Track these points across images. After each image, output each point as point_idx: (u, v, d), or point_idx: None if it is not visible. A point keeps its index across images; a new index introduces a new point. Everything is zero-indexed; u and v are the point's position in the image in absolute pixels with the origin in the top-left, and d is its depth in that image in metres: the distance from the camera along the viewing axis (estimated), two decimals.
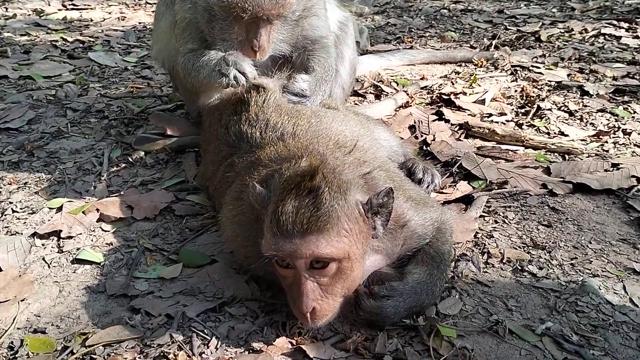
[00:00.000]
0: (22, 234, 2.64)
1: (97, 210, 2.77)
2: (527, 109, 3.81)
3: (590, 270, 2.33)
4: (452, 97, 3.91)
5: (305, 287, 1.87)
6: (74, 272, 2.40)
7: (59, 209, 2.81)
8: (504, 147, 3.32)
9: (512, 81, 4.31)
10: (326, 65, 3.07)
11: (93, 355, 1.95)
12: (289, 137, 2.42)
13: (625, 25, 5.71)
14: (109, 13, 6.65)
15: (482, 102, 3.89)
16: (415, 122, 3.61)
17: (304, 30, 3.02)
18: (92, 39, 5.63)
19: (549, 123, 3.62)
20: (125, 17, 6.48)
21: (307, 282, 1.87)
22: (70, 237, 2.61)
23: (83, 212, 2.76)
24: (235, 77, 2.67)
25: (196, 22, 2.91)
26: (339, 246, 1.85)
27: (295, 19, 2.91)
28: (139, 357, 1.92)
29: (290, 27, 2.93)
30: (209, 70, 2.79)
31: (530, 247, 2.48)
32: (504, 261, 2.40)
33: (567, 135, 3.47)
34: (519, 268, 2.35)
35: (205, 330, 2.03)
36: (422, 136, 3.47)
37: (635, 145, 3.33)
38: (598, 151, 3.27)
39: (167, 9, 3.26)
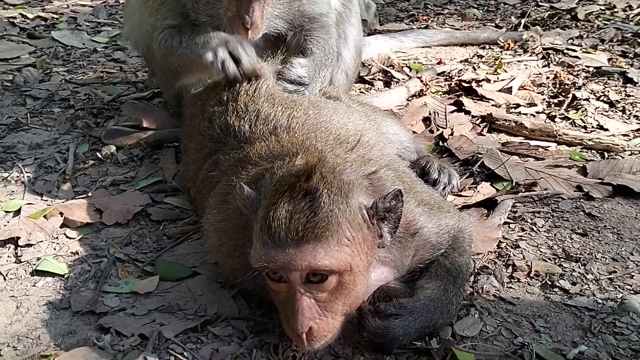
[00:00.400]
0: None
1: (61, 214, 2.79)
2: (561, 98, 3.82)
3: (631, 286, 2.35)
4: (473, 84, 3.93)
5: (301, 303, 1.87)
6: (34, 286, 2.41)
7: (17, 212, 2.83)
8: (533, 143, 3.33)
9: (543, 66, 4.32)
10: (326, 47, 3.09)
11: None
12: (283, 131, 2.43)
13: None
14: None
15: (509, 90, 3.91)
16: (430, 114, 3.63)
17: (301, 5, 3.04)
18: (55, 16, 5.64)
19: (586, 115, 3.63)
20: None
21: (302, 298, 1.87)
22: (29, 245, 2.62)
23: (44, 217, 2.77)
24: (223, 64, 2.67)
25: None
26: (340, 257, 1.86)
27: None
28: None
29: (286, 2, 2.96)
30: (195, 50, 2.81)
31: (562, 259, 2.49)
32: (531, 275, 2.41)
33: (606, 130, 3.48)
34: (549, 283, 2.36)
35: (184, 353, 2.04)
36: (438, 130, 3.49)
37: None
38: None
39: None
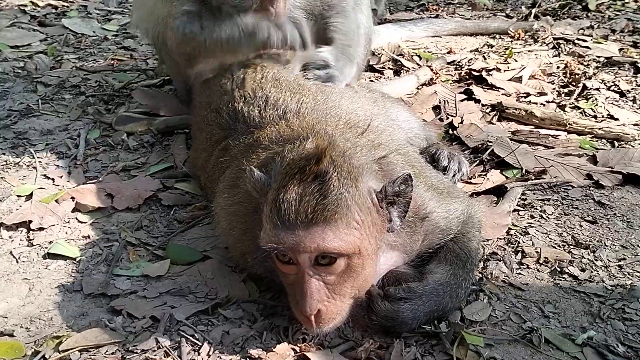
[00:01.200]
0: None
1: (73, 198, 2.80)
2: (571, 88, 3.81)
3: None
4: (483, 73, 3.93)
5: (310, 286, 1.87)
6: (46, 268, 2.43)
7: (29, 196, 2.85)
8: (543, 131, 3.32)
9: (554, 56, 4.32)
10: (347, 30, 3.10)
11: None
12: (293, 116, 2.44)
13: None
14: None
15: (519, 79, 3.90)
16: (440, 102, 3.63)
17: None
18: (66, 4, 5.65)
19: (597, 105, 3.63)
20: None
21: (311, 281, 1.88)
22: (41, 229, 2.64)
23: (56, 201, 2.79)
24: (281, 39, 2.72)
25: None
26: (349, 240, 1.86)
27: None
28: None
29: None
30: (233, 32, 2.81)
31: (572, 246, 2.50)
32: (540, 261, 2.41)
33: (617, 119, 3.48)
34: (558, 269, 2.37)
35: (195, 335, 2.06)
36: (448, 118, 3.49)
37: None
38: None
39: None
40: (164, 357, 1.97)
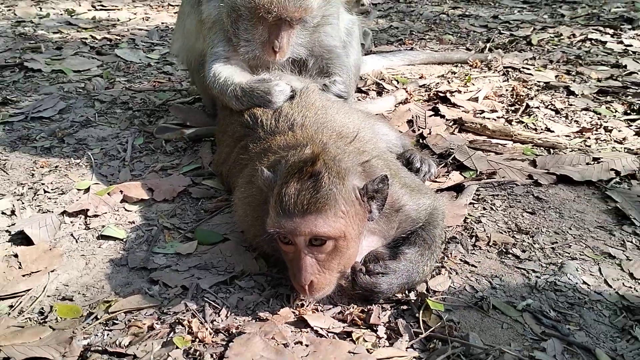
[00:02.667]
0: (52, 212, 2.67)
1: (121, 192, 2.80)
2: (517, 106, 3.79)
3: (569, 253, 2.34)
4: (447, 94, 3.90)
5: (304, 262, 1.89)
6: (99, 247, 2.44)
7: (87, 190, 2.85)
8: (494, 141, 3.31)
9: (503, 81, 4.29)
10: (347, 70, 3.10)
11: (115, 321, 1.98)
12: (298, 128, 2.44)
13: (611, 31, 5.66)
14: (135, 14, 6.65)
15: (476, 99, 3.88)
16: (413, 117, 3.61)
17: (320, 37, 2.99)
18: (118, 37, 5.64)
19: (537, 120, 3.61)
20: (149, 18, 6.48)
21: (305, 258, 1.89)
22: (96, 216, 2.64)
23: (108, 194, 2.79)
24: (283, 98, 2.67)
25: (221, 22, 2.86)
26: (336, 226, 1.87)
27: (314, 25, 2.88)
28: (157, 323, 1.96)
29: (309, 32, 2.90)
30: (246, 96, 2.73)
31: (515, 232, 2.49)
32: (490, 244, 2.41)
33: (552, 131, 3.46)
34: (504, 251, 2.37)
35: (216, 301, 2.07)
36: (419, 130, 3.47)
37: (615, 141, 3.33)
38: (581, 146, 3.26)
39: (193, 8, 3.22)
40: (191, 317, 1.97)
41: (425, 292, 2.10)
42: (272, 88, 2.63)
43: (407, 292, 2.09)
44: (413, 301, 2.06)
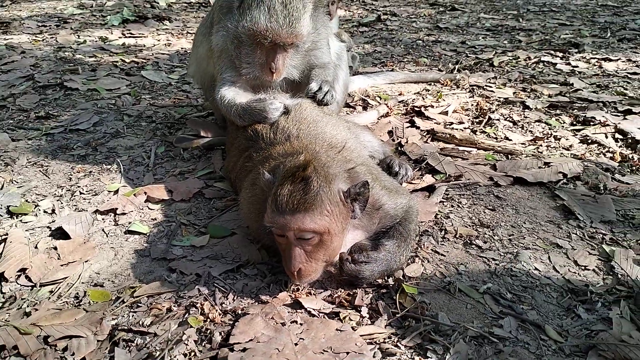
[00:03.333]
0: (87, 210, 2.66)
1: (145, 193, 2.79)
2: (481, 119, 3.79)
3: (523, 244, 2.35)
4: (422, 109, 3.89)
5: (294, 252, 1.89)
6: (126, 240, 2.43)
7: (116, 192, 2.84)
8: (461, 148, 3.30)
9: (469, 97, 4.28)
10: (327, 71, 3.04)
11: (139, 304, 1.98)
12: (294, 139, 2.43)
13: (560, 54, 5.66)
14: (158, 40, 6.61)
15: (446, 113, 3.87)
16: (393, 128, 3.60)
17: (310, 60, 3.00)
18: (144, 61, 5.61)
19: (497, 130, 3.61)
20: (171, 44, 6.45)
21: (295, 249, 1.89)
22: (124, 214, 2.63)
23: (134, 195, 2.78)
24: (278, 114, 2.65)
25: (227, 50, 2.86)
26: (321, 223, 1.87)
27: (305, 50, 2.89)
28: (174, 306, 1.95)
29: (301, 56, 2.91)
30: (256, 114, 2.70)
31: (478, 226, 2.49)
32: (457, 236, 2.41)
33: (510, 140, 3.46)
34: (468, 242, 2.37)
35: (225, 286, 2.06)
36: (397, 139, 3.47)
37: (563, 148, 3.33)
38: (534, 152, 3.26)
39: (204, 38, 3.24)
40: (203, 301, 1.96)
41: (402, 278, 2.10)
42: (267, 106, 2.63)
43: (386, 278, 2.08)
44: (391, 286, 2.05)
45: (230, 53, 2.86)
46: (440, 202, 2.70)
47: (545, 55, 5.60)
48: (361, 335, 1.79)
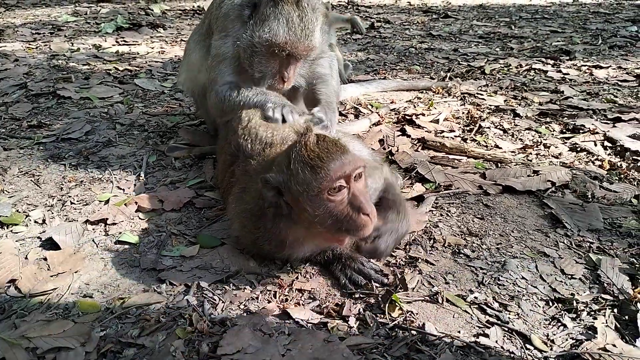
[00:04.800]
0: (77, 221, 2.66)
1: (136, 203, 2.79)
2: (471, 127, 3.82)
3: (511, 253, 2.36)
4: (413, 117, 3.92)
5: (362, 196, 1.90)
6: (116, 251, 2.43)
7: (107, 201, 2.84)
8: (451, 156, 3.32)
9: (461, 105, 4.32)
10: (329, 94, 3.14)
11: (128, 315, 1.98)
12: (268, 147, 2.42)
13: (551, 62, 5.73)
14: (152, 48, 6.64)
15: (437, 121, 3.90)
16: (384, 137, 3.63)
17: (316, 68, 3.09)
18: (138, 68, 5.63)
19: (487, 138, 3.64)
20: (165, 51, 6.47)
21: (359, 191, 1.90)
22: (114, 224, 2.63)
23: (125, 204, 2.78)
24: (277, 120, 2.70)
25: (237, 57, 2.90)
26: (359, 158, 1.94)
27: (313, 59, 2.98)
28: (163, 317, 1.95)
29: (307, 65, 3.00)
30: (255, 102, 2.81)
31: (466, 235, 2.51)
32: (445, 245, 2.43)
33: (500, 148, 3.49)
34: (457, 251, 2.38)
35: (214, 297, 2.07)
36: (388, 148, 3.49)
37: (552, 156, 3.36)
38: (524, 161, 3.28)
39: (198, 45, 3.26)
40: (192, 312, 1.97)
41: (391, 286, 2.10)
42: (280, 110, 2.73)
43: (372, 283, 2.11)
44: (380, 296, 2.07)
45: (238, 61, 2.91)
46: (430, 211, 2.71)
47: (536, 63, 5.65)
48: (348, 346, 1.80)
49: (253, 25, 2.75)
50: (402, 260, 2.30)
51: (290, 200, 1.98)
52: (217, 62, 2.99)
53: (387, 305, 2.01)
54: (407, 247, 2.40)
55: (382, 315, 1.97)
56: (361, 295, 2.08)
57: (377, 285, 2.11)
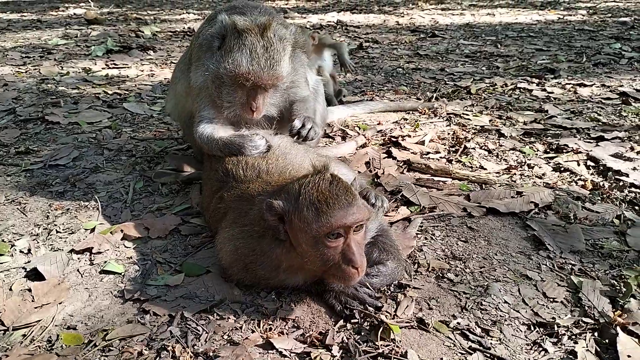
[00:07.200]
0: (62, 250, 2.66)
1: (122, 230, 2.79)
2: (457, 148, 3.86)
3: (494, 276, 2.39)
4: (399, 139, 3.97)
5: (355, 247, 1.93)
6: (101, 281, 2.43)
7: (93, 229, 2.84)
8: (436, 178, 3.36)
9: (446, 126, 4.37)
10: (308, 108, 3.13)
11: (111, 347, 1.98)
12: (265, 174, 2.47)
13: (536, 80, 5.82)
14: (142, 71, 6.68)
15: (423, 142, 3.94)
16: (370, 159, 3.66)
17: (289, 97, 3.09)
18: (127, 92, 5.65)
19: (472, 159, 3.68)
20: (154, 74, 6.51)
21: (355, 243, 1.94)
22: (99, 253, 2.63)
23: (111, 232, 2.78)
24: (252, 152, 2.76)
25: (207, 88, 2.92)
26: (365, 210, 1.97)
27: (284, 88, 2.98)
28: (145, 349, 1.95)
29: (280, 94, 2.99)
30: (234, 148, 2.80)
31: (450, 259, 2.53)
32: (429, 270, 2.44)
33: (485, 169, 3.53)
34: (440, 275, 2.40)
35: (197, 327, 2.07)
36: (374, 170, 3.52)
37: (536, 176, 3.41)
38: (508, 181, 3.32)
39: (183, 74, 3.30)
40: (175, 343, 1.97)
41: (381, 320, 2.11)
42: (247, 143, 2.73)
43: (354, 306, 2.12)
44: (367, 323, 2.07)
45: (210, 92, 2.92)
46: (415, 234, 2.73)
47: (521, 82, 5.74)
48: None
49: (220, 56, 2.78)
50: (391, 286, 2.32)
51: (290, 231, 2.02)
52: (195, 94, 3.04)
53: (372, 333, 2.02)
54: None
55: (365, 343, 1.98)
56: (353, 321, 2.08)
57: (372, 309, 2.13)
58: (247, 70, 2.69)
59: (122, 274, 2.47)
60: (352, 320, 2.09)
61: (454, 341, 2.00)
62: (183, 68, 3.32)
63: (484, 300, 2.21)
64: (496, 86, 5.61)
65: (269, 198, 2.06)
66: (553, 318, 2.10)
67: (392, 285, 2.30)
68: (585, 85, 5.61)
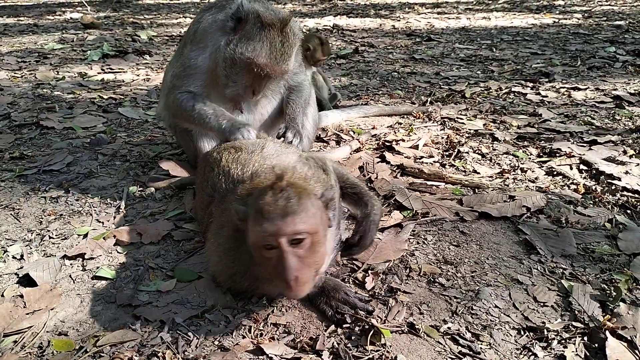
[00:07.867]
0: (55, 256, 2.66)
1: (114, 236, 2.80)
2: (450, 152, 3.87)
3: (485, 281, 2.39)
4: (393, 144, 3.98)
5: (288, 260, 1.81)
6: (93, 287, 2.43)
7: (85, 235, 2.85)
8: (429, 183, 3.37)
9: (440, 130, 4.38)
10: (299, 103, 3.37)
11: (101, 354, 1.98)
12: (248, 178, 2.44)
13: (530, 84, 5.85)
14: (138, 75, 6.69)
15: (416, 147, 3.96)
16: (364, 164, 3.68)
17: (287, 82, 3.36)
18: (122, 97, 5.66)
19: (466, 163, 3.69)
20: (150, 79, 6.52)
21: (288, 257, 1.82)
22: (92, 258, 2.64)
23: (103, 238, 2.78)
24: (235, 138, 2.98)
25: (211, 70, 3.06)
26: (310, 222, 1.85)
27: (285, 79, 3.25)
28: (136, 356, 1.95)
29: (279, 80, 3.21)
30: (210, 121, 3.06)
31: (442, 263, 2.54)
32: (421, 274, 2.45)
33: (478, 173, 3.54)
34: (432, 280, 2.41)
35: (188, 333, 2.07)
36: (368, 175, 3.54)
37: (529, 180, 3.42)
38: (500, 186, 3.34)
39: (171, 66, 3.35)
40: (166, 349, 1.97)
41: (372, 324, 2.12)
42: (243, 133, 3.00)
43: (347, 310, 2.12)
44: (358, 328, 2.08)
45: (210, 73, 3.07)
46: (407, 239, 2.74)
47: (516, 86, 5.77)
48: None
49: (237, 40, 2.91)
50: (382, 291, 2.32)
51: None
52: (187, 74, 3.13)
53: (362, 338, 2.02)
54: (384, 277, 2.42)
55: (355, 349, 1.98)
56: (344, 326, 2.09)
57: (363, 313, 2.13)
58: (265, 62, 2.88)
59: (114, 279, 2.47)
60: (344, 325, 2.10)
61: (444, 346, 2.00)
62: (173, 60, 3.37)
63: (475, 305, 2.22)
64: (491, 90, 5.63)
65: (239, 203, 2.04)
66: (543, 322, 2.11)
67: (384, 290, 2.31)
68: (579, 89, 5.64)
